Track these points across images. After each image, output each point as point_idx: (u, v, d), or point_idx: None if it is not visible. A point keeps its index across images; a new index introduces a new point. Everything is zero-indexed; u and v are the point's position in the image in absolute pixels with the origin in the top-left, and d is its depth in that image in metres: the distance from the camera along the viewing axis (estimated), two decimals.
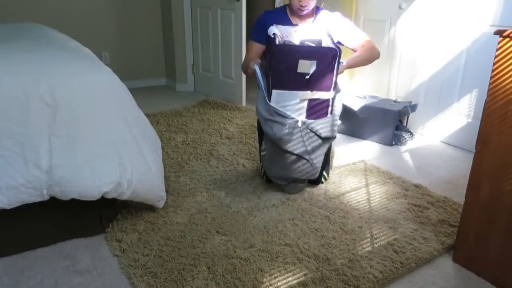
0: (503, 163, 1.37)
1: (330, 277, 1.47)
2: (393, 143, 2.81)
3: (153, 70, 4.40)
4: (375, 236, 1.73)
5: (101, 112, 1.52)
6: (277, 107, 1.82)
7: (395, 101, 2.93)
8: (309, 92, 1.80)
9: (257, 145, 2.67)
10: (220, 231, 1.74)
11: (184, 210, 1.89)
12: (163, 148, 2.59)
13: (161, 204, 1.84)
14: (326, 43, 1.90)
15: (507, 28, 1.34)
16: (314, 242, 1.68)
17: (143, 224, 1.77)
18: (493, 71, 1.36)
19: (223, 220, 1.82)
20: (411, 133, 2.89)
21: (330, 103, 1.87)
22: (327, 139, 1.94)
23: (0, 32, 2.05)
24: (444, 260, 1.62)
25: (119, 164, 1.53)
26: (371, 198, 2.06)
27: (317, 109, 1.86)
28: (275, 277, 1.47)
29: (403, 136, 2.79)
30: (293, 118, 1.83)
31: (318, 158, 1.96)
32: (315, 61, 1.71)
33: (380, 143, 2.85)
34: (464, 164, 2.52)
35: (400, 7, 3.01)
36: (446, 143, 2.88)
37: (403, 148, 2.78)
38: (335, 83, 1.84)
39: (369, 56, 1.98)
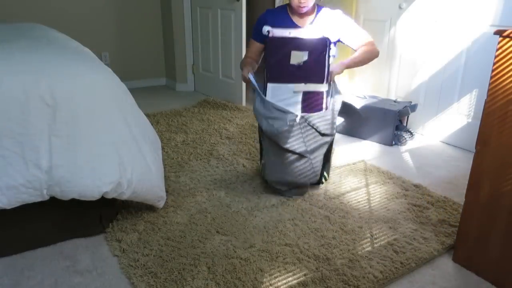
0: (503, 163, 1.37)
1: (330, 277, 1.47)
2: (393, 143, 2.81)
3: (153, 70, 4.40)
4: (375, 236, 1.73)
5: (101, 112, 1.52)
6: (275, 103, 1.82)
7: (395, 101, 2.93)
8: (302, 84, 1.83)
9: (257, 145, 2.67)
10: (220, 231, 1.74)
11: (184, 210, 1.89)
12: (163, 148, 2.59)
13: (161, 204, 1.84)
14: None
15: (507, 28, 1.34)
16: (314, 242, 1.68)
17: (143, 224, 1.77)
18: (493, 71, 1.36)
19: (223, 220, 1.82)
20: (411, 133, 2.89)
21: (325, 96, 1.88)
22: (326, 136, 1.93)
23: (0, 32, 2.05)
24: (444, 260, 1.62)
25: (119, 164, 1.53)
26: (371, 198, 2.06)
27: (311, 102, 1.87)
28: (275, 277, 1.47)
29: (403, 136, 2.79)
30: (292, 113, 1.83)
31: (317, 158, 1.95)
32: (307, 52, 1.77)
33: (380, 143, 2.85)
34: (464, 164, 2.52)
35: (400, 7, 3.01)
36: (446, 143, 2.88)
37: (403, 148, 2.78)
38: (328, 75, 1.86)
39: (369, 56, 1.99)
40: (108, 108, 1.54)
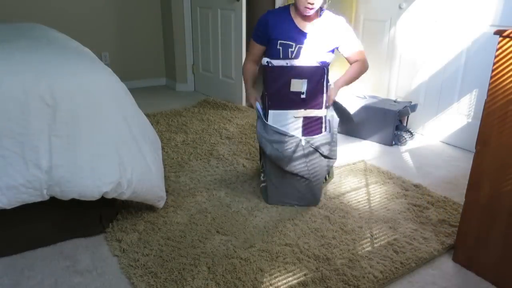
0: (503, 163, 1.37)
1: (330, 277, 1.47)
2: (393, 143, 2.81)
3: (153, 70, 4.40)
4: (375, 236, 1.73)
5: (101, 112, 1.52)
6: (279, 128, 1.85)
7: (395, 101, 2.93)
8: (303, 110, 1.87)
9: (257, 145, 2.67)
10: (220, 231, 1.74)
11: (184, 210, 1.89)
12: (163, 148, 2.59)
13: (161, 204, 1.84)
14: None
15: (507, 28, 1.34)
16: (314, 242, 1.68)
17: (143, 224, 1.77)
18: (493, 71, 1.36)
19: (223, 220, 1.82)
20: (411, 133, 2.89)
21: (324, 120, 1.92)
22: (329, 159, 1.93)
23: (0, 32, 2.05)
24: (444, 260, 1.62)
25: (119, 164, 1.53)
26: (371, 198, 2.06)
27: (312, 126, 1.91)
28: (275, 277, 1.47)
29: (403, 136, 2.79)
30: (296, 137, 1.85)
31: (318, 181, 1.94)
32: (306, 80, 1.84)
33: (380, 143, 2.85)
34: (464, 164, 2.52)
35: (400, 7, 3.01)
36: (446, 143, 2.88)
37: (403, 148, 2.78)
38: (326, 100, 1.90)
39: (360, 72, 2.05)
40: (108, 108, 1.54)
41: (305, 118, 1.87)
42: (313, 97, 1.86)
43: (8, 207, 1.41)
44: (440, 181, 2.29)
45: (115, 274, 1.49)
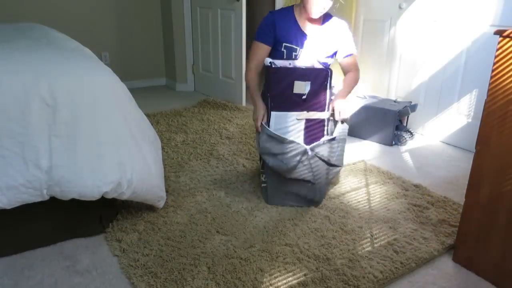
0: (503, 163, 1.37)
1: (330, 277, 1.47)
2: (393, 143, 2.81)
3: (153, 70, 4.40)
4: (375, 236, 1.73)
5: (101, 112, 1.52)
6: (280, 134, 1.82)
7: (395, 101, 2.93)
8: (305, 112, 1.85)
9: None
10: (220, 231, 1.74)
11: (184, 210, 1.89)
12: (163, 148, 2.59)
13: (161, 204, 1.84)
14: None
15: (507, 28, 1.34)
16: (314, 242, 1.68)
17: (143, 224, 1.77)
18: (493, 71, 1.36)
19: (223, 220, 1.82)
20: (411, 133, 2.89)
21: (326, 123, 1.91)
22: (335, 166, 1.92)
23: (0, 32, 2.05)
24: (444, 260, 1.62)
25: (119, 164, 1.53)
26: (371, 198, 2.06)
27: (314, 129, 1.89)
28: (275, 277, 1.47)
29: (403, 136, 2.79)
30: (302, 146, 1.81)
31: (321, 184, 1.91)
32: (309, 82, 1.82)
33: (380, 143, 2.85)
34: (464, 164, 2.52)
35: (400, 7, 3.01)
36: (446, 143, 2.88)
37: (403, 148, 2.78)
38: (329, 103, 1.88)
39: (354, 85, 2.03)
40: (108, 108, 1.54)
41: (307, 121, 1.86)
42: (316, 99, 1.85)
43: (8, 207, 1.41)
44: (440, 181, 2.29)
45: (115, 274, 1.49)
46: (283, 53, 1.98)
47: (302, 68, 1.84)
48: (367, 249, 1.64)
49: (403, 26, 3.02)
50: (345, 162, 2.50)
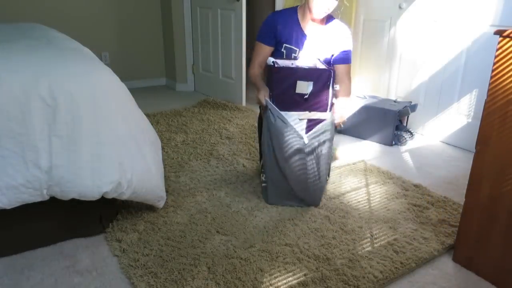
0: (503, 163, 1.37)
1: (330, 277, 1.47)
2: (393, 143, 2.81)
3: (153, 70, 4.40)
4: (375, 236, 1.73)
5: (101, 112, 1.52)
6: (289, 122, 1.83)
7: (395, 101, 2.93)
8: (307, 112, 1.85)
9: (257, 145, 2.67)
10: (220, 231, 1.74)
11: (184, 210, 1.89)
12: (163, 148, 2.59)
13: (161, 204, 1.84)
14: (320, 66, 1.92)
15: (507, 28, 1.34)
16: (314, 242, 1.68)
17: (143, 224, 1.77)
18: (493, 71, 1.36)
19: (223, 220, 1.82)
20: (411, 133, 2.89)
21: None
22: (325, 154, 1.92)
23: (0, 32, 2.05)
24: (444, 260, 1.62)
25: (119, 164, 1.53)
26: (371, 198, 2.06)
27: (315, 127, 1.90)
28: (275, 277, 1.47)
29: (403, 136, 2.79)
30: (301, 136, 1.83)
31: (319, 184, 1.91)
32: (312, 82, 1.81)
33: (380, 143, 2.85)
34: (464, 164, 2.52)
35: (400, 7, 3.01)
36: (446, 143, 2.88)
37: (403, 148, 2.78)
38: (331, 105, 1.88)
39: (348, 95, 2.05)
40: (108, 108, 1.54)
41: (309, 120, 1.85)
42: (318, 99, 1.84)
43: (8, 207, 1.41)
44: (440, 181, 2.29)
45: (115, 274, 1.49)
46: (283, 54, 1.98)
47: (305, 68, 1.84)
48: (367, 249, 1.64)
49: (403, 26, 3.02)
50: (345, 162, 2.50)
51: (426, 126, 3.00)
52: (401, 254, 1.61)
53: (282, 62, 1.90)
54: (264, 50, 2.01)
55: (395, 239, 1.71)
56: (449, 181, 2.29)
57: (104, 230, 1.73)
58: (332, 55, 2.03)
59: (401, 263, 1.55)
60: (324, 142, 1.86)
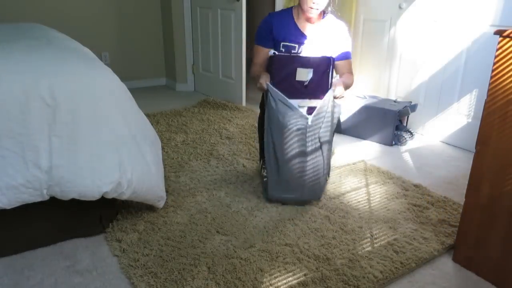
0: (503, 163, 1.37)
1: (330, 277, 1.47)
2: (393, 143, 2.81)
3: (153, 70, 4.40)
4: (375, 236, 1.73)
5: (101, 112, 1.52)
6: (291, 104, 1.82)
7: (395, 101, 2.93)
8: (307, 100, 1.85)
9: (257, 145, 2.67)
10: (220, 231, 1.74)
11: (184, 210, 1.89)
12: (163, 148, 2.59)
13: (161, 204, 1.84)
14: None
15: (507, 28, 1.34)
16: (314, 242, 1.68)
17: (143, 224, 1.77)
18: (493, 71, 1.36)
19: (223, 220, 1.82)
20: (411, 133, 2.89)
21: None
22: (326, 143, 1.91)
23: (0, 32, 2.05)
24: (444, 260, 1.62)
25: (119, 164, 1.53)
26: (371, 198, 2.06)
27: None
28: (275, 277, 1.47)
29: (403, 136, 2.79)
30: (305, 116, 1.82)
31: (319, 175, 1.90)
32: (311, 69, 1.82)
33: (380, 143, 2.85)
34: (464, 164, 2.52)
35: (400, 7, 3.01)
36: (446, 143, 2.88)
37: (403, 148, 2.78)
38: (333, 90, 1.88)
39: (349, 83, 2.03)
40: (108, 108, 1.54)
41: (309, 108, 1.85)
42: (318, 87, 1.84)
43: (8, 207, 1.41)
44: (440, 181, 2.29)
45: (115, 274, 1.49)
46: (282, 52, 1.99)
47: (305, 56, 1.85)
48: (367, 249, 1.64)
49: (403, 26, 3.02)
50: (345, 162, 2.50)
51: (426, 126, 3.00)
52: (401, 254, 1.61)
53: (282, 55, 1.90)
54: (263, 52, 2.03)
55: (395, 239, 1.71)
56: (449, 181, 2.29)
57: (104, 230, 1.73)
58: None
59: (401, 263, 1.55)
60: (327, 131, 1.85)
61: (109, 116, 1.54)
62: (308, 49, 1.99)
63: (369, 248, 1.65)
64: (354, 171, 2.38)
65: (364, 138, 2.92)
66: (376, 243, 1.69)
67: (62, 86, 1.44)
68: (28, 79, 1.40)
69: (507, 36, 1.30)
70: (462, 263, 1.58)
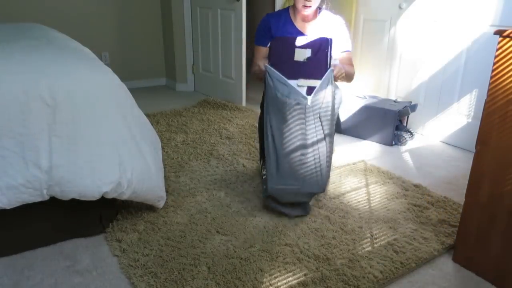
0: (503, 163, 1.37)
1: (330, 277, 1.47)
2: (393, 143, 2.81)
3: (153, 70, 4.40)
4: (375, 236, 1.73)
5: (101, 112, 1.52)
6: (291, 85, 1.81)
7: (395, 101, 2.93)
8: (306, 80, 1.83)
9: (257, 145, 2.67)
10: (220, 231, 1.74)
11: (184, 210, 1.89)
12: (163, 148, 2.59)
13: (161, 204, 1.84)
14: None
15: (507, 28, 1.34)
16: (314, 242, 1.68)
17: (143, 224, 1.77)
18: (493, 71, 1.36)
19: (223, 220, 1.82)
20: (411, 133, 2.89)
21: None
22: (326, 136, 1.88)
23: (0, 32, 2.05)
24: (444, 260, 1.62)
25: (119, 164, 1.53)
26: (371, 198, 2.06)
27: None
28: (275, 277, 1.47)
29: (403, 136, 2.79)
30: (304, 97, 1.80)
31: (321, 164, 1.84)
32: (310, 49, 1.82)
33: (380, 143, 2.85)
34: (464, 164, 2.52)
35: (400, 7, 3.01)
36: (446, 143, 2.88)
37: (403, 148, 2.78)
38: (332, 71, 1.85)
39: (351, 74, 2.01)
40: (108, 108, 1.54)
41: (309, 88, 1.83)
42: (317, 66, 1.83)
43: (8, 207, 1.41)
44: (440, 181, 2.29)
45: (115, 274, 1.49)
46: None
47: (303, 38, 1.86)
48: (367, 249, 1.64)
49: (403, 26, 3.02)
50: (345, 162, 2.50)
51: (426, 126, 3.00)
52: (401, 254, 1.61)
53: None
54: (262, 52, 2.04)
55: (395, 239, 1.71)
56: (449, 181, 2.29)
57: (104, 230, 1.73)
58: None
59: (401, 263, 1.55)
60: (327, 114, 1.84)
61: (109, 116, 1.54)
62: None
63: (369, 248, 1.65)
64: (354, 171, 2.38)
65: (364, 138, 2.92)
66: (376, 243, 1.69)
67: (62, 86, 1.44)
68: (28, 79, 1.40)
69: (507, 36, 1.30)
70: (462, 263, 1.58)
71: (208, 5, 3.77)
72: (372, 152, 2.69)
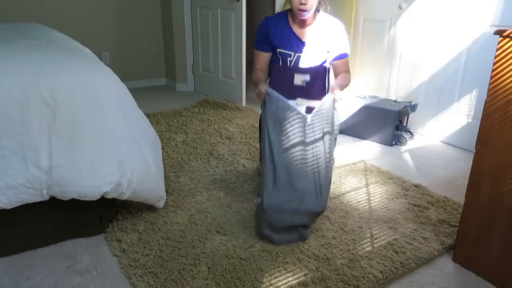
0: (503, 163, 1.37)
1: (330, 277, 1.47)
2: (393, 143, 2.81)
3: (153, 70, 4.40)
4: (375, 236, 1.73)
5: (101, 112, 1.52)
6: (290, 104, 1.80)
7: (395, 101, 2.93)
8: (305, 100, 1.82)
9: (257, 145, 2.67)
10: (220, 231, 1.74)
11: (184, 210, 1.89)
12: (163, 148, 2.59)
13: (161, 204, 1.84)
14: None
15: (507, 28, 1.34)
16: (314, 242, 1.68)
17: (143, 224, 1.77)
18: (493, 71, 1.36)
19: (223, 220, 1.82)
20: (411, 133, 2.89)
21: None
22: (327, 133, 1.85)
23: (0, 32, 2.05)
24: (444, 260, 1.62)
25: (119, 164, 1.53)
26: (371, 198, 2.06)
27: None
28: (275, 277, 1.47)
29: (403, 136, 2.79)
30: (304, 115, 1.77)
31: (321, 178, 1.77)
32: (309, 74, 1.93)
33: (380, 143, 2.85)
34: (464, 164, 2.52)
35: (400, 7, 3.01)
36: (446, 143, 2.88)
37: (403, 148, 2.78)
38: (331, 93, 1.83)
39: (346, 83, 1.96)
40: (108, 108, 1.54)
41: (308, 109, 1.82)
42: (316, 90, 1.90)
43: (8, 207, 1.41)
44: (440, 181, 2.29)
45: (115, 274, 1.49)
46: (279, 58, 1.98)
47: (303, 68, 1.90)
48: (367, 249, 1.64)
49: (403, 26, 3.02)
50: (345, 162, 2.50)
51: (426, 126, 3.00)
52: (401, 254, 1.61)
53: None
54: (262, 57, 2.03)
55: (395, 239, 1.71)
56: (449, 181, 2.29)
57: (104, 230, 1.73)
58: (328, 52, 2.00)
59: (401, 263, 1.55)
60: (325, 133, 1.80)
61: (109, 116, 1.54)
62: (308, 54, 1.97)
63: (369, 248, 1.65)
64: (354, 171, 2.38)
65: (364, 138, 2.92)
66: (376, 243, 1.69)
67: (62, 86, 1.44)
68: (28, 79, 1.40)
69: (507, 36, 1.30)
70: (462, 263, 1.58)
71: (208, 5, 3.77)
72: (372, 152, 2.69)
